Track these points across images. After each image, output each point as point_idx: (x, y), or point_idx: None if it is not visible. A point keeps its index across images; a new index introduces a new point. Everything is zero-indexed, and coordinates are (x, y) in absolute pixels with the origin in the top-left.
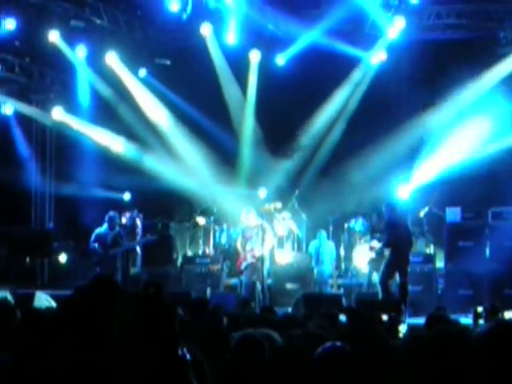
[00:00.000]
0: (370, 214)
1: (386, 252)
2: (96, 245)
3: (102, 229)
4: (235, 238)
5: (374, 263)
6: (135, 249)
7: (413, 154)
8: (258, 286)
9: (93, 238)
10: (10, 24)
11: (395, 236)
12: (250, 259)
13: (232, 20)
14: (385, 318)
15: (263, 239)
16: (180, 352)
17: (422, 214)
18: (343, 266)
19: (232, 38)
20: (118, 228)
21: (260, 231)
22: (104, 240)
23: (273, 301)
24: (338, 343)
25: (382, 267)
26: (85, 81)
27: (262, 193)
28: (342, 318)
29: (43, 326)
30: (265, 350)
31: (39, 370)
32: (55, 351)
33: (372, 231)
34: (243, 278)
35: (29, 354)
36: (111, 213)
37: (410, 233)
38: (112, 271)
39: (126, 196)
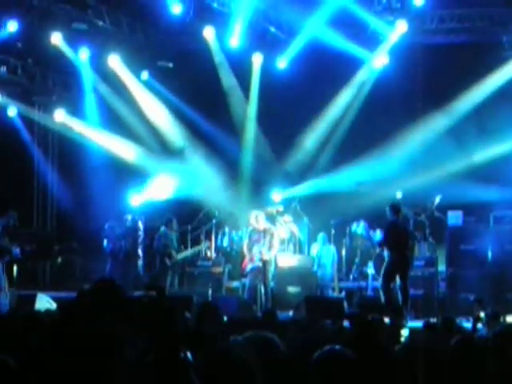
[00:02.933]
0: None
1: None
2: (172, 250)
3: (162, 231)
4: (237, 240)
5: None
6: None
7: (415, 158)
8: (262, 289)
9: (161, 240)
10: (12, 26)
11: (394, 239)
12: (256, 262)
13: (235, 23)
14: (387, 320)
15: (271, 243)
16: (182, 355)
17: (422, 216)
18: (344, 269)
19: (235, 40)
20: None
21: (268, 235)
22: (172, 243)
23: (274, 304)
24: (338, 347)
25: (382, 272)
26: (89, 83)
27: (277, 196)
28: (346, 323)
29: (45, 329)
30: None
31: (42, 374)
32: (57, 354)
33: None
34: (247, 280)
35: (31, 356)
36: (168, 215)
37: (410, 237)
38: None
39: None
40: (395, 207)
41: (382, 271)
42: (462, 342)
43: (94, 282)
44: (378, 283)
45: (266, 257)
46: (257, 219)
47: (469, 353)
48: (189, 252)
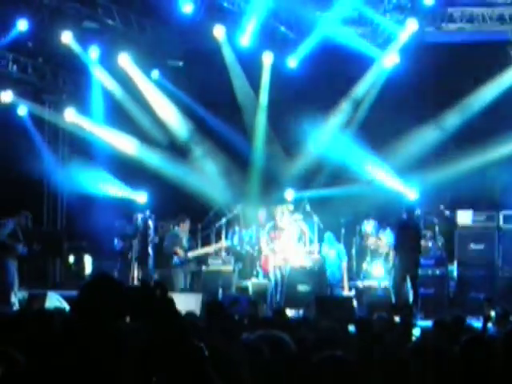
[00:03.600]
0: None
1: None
2: (177, 248)
3: (173, 231)
4: (247, 240)
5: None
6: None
7: (424, 156)
8: (279, 286)
9: (171, 240)
10: (23, 25)
11: (404, 240)
12: (278, 260)
13: (245, 22)
14: (397, 319)
15: (292, 241)
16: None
17: (432, 215)
18: (355, 268)
19: (245, 39)
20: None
21: (290, 233)
22: (181, 243)
23: (285, 302)
24: (339, 352)
25: (392, 272)
26: (98, 82)
27: (289, 194)
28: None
29: (55, 326)
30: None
31: (52, 370)
32: (67, 351)
33: None
34: (274, 279)
35: (41, 353)
36: (182, 215)
37: (420, 237)
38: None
39: (141, 198)
40: (410, 208)
41: (394, 271)
42: (471, 341)
43: (91, 278)
44: (389, 282)
45: (287, 254)
46: (282, 217)
47: (478, 352)
48: (200, 252)
